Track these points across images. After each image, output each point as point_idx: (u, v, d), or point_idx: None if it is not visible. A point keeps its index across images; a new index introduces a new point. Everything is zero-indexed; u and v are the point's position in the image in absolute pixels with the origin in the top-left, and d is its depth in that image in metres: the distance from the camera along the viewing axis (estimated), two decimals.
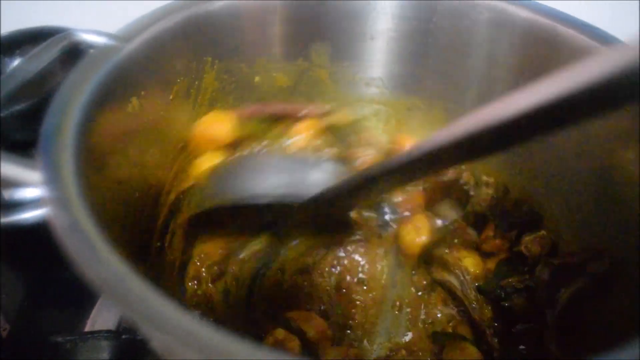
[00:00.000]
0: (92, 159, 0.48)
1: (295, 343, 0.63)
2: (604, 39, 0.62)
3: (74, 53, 0.90)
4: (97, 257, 0.35)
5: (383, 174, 0.55)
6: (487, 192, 0.75)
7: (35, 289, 0.91)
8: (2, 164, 0.43)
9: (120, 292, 0.33)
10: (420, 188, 0.77)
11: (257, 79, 0.74)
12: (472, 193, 0.75)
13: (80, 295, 0.82)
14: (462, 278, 0.68)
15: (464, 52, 0.73)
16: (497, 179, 0.76)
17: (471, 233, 0.75)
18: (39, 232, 0.92)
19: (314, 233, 0.74)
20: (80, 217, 0.38)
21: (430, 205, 0.78)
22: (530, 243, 0.70)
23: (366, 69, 0.80)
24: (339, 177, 0.65)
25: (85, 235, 0.37)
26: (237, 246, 0.73)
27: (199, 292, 0.68)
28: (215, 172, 0.67)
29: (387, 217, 0.76)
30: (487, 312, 0.67)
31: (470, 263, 0.71)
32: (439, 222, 0.75)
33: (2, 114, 0.85)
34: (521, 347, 0.65)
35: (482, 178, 0.76)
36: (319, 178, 0.67)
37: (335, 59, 0.78)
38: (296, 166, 0.70)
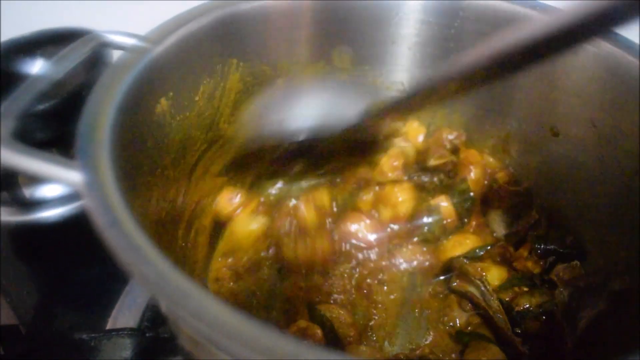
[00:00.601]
0: (126, 159, 0.48)
1: (317, 332, 0.64)
2: None
3: (98, 56, 0.91)
4: (139, 252, 0.35)
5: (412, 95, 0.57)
6: (534, 216, 0.76)
7: (55, 288, 0.92)
8: (42, 163, 0.43)
9: (165, 287, 0.34)
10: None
11: (279, 81, 0.75)
12: (521, 215, 0.76)
13: (99, 294, 0.84)
14: (482, 288, 0.69)
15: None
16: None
17: (509, 251, 0.76)
18: (59, 230, 0.94)
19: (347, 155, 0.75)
20: (120, 214, 0.38)
21: (485, 210, 0.80)
22: (562, 271, 0.71)
23: (388, 73, 0.81)
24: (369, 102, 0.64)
25: (128, 233, 0.37)
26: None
27: (223, 290, 0.69)
28: (253, 112, 0.68)
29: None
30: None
31: (496, 276, 0.72)
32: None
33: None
34: None
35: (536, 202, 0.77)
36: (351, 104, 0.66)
37: (357, 63, 0.79)
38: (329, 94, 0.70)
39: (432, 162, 0.81)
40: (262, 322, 0.32)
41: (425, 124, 0.85)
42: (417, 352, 0.64)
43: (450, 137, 0.83)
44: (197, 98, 0.64)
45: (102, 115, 0.48)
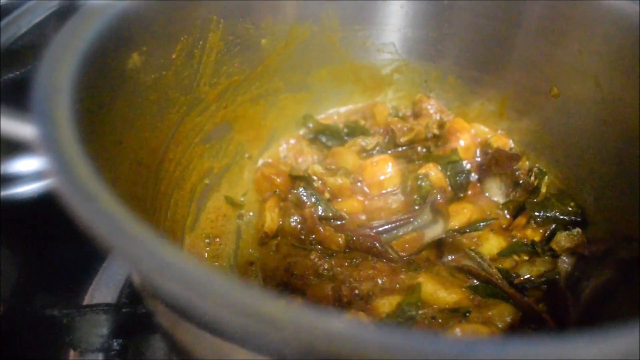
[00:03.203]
0: (90, 114, 0.44)
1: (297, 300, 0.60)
2: None
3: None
4: (97, 206, 0.31)
5: None
6: (533, 182, 0.72)
7: (31, 266, 0.88)
8: None
9: (133, 245, 0.29)
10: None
11: (263, 41, 0.70)
12: (521, 181, 0.73)
13: (77, 272, 0.80)
14: (478, 260, 0.65)
15: (488, 14, 0.70)
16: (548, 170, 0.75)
17: (506, 219, 0.73)
18: (36, 207, 0.89)
19: None
20: (79, 169, 0.33)
21: (482, 177, 0.76)
22: (563, 240, 0.67)
23: (378, 33, 0.76)
24: None
25: (87, 189, 0.32)
26: None
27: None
28: None
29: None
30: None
31: (494, 245, 0.68)
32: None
33: None
34: None
35: (534, 168, 0.74)
36: None
37: (346, 23, 0.74)
38: None
39: (402, 139, 0.78)
40: (245, 282, 0.28)
41: (417, 86, 0.81)
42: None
43: (437, 116, 0.79)
44: (174, 56, 0.60)
45: (63, 64, 0.43)
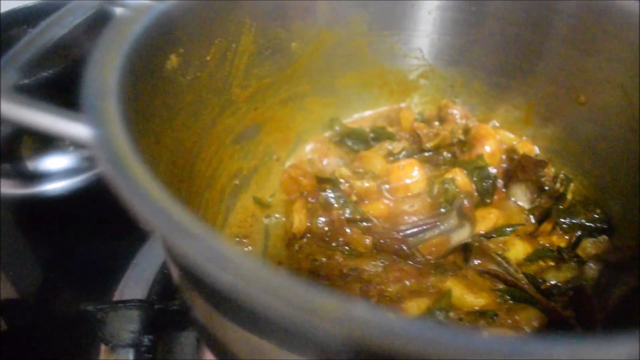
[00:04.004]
0: (133, 115, 0.45)
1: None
2: None
3: (103, 22, 0.88)
4: (155, 204, 0.32)
5: None
6: (558, 189, 0.73)
7: (59, 262, 0.89)
8: (46, 116, 0.40)
9: (188, 239, 0.30)
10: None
11: (293, 45, 0.71)
12: (546, 187, 0.73)
13: (103, 269, 0.81)
14: (505, 265, 0.66)
15: (517, 22, 0.70)
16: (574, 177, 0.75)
17: (532, 225, 0.73)
18: (64, 204, 0.91)
19: None
20: (134, 167, 0.34)
21: (508, 183, 0.76)
22: (589, 246, 0.68)
23: (406, 38, 0.77)
24: None
25: (142, 185, 0.33)
26: None
27: None
28: None
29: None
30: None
31: (520, 250, 0.69)
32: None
33: (27, 81, 0.83)
34: None
35: (560, 174, 0.74)
36: None
37: (374, 28, 0.75)
38: None
39: (428, 145, 0.78)
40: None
41: (442, 92, 0.82)
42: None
43: (462, 121, 0.80)
44: (208, 58, 0.61)
45: (109, 66, 0.44)
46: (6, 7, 0.97)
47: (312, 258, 0.66)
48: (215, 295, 0.38)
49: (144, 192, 0.32)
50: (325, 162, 0.79)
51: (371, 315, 0.26)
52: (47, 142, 0.90)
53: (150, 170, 0.35)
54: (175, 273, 0.51)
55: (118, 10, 0.61)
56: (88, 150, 0.37)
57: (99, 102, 0.40)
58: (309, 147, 0.80)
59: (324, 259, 0.67)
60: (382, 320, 0.26)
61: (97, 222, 0.89)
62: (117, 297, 0.71)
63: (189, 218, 0.31)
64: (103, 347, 0.65)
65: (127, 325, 0.62)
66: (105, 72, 0.43)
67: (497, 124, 0.81)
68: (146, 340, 0.64)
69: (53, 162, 0.91)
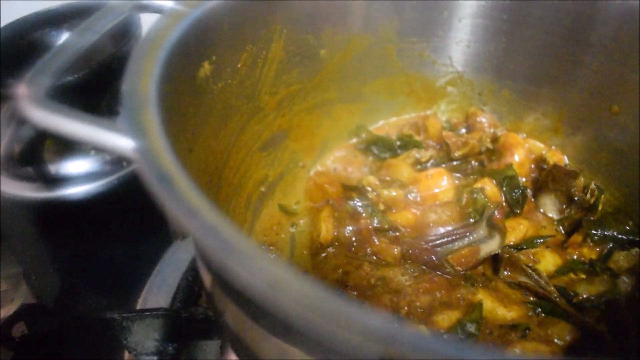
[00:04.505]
0: (170, 123, 0.44)
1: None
2: None
3: (127, 27, 0.88)
4: (204, 220, 0.31)
5: None
6: (589, 199, 0.71)
7: (80, 267, 0.89)
8: (85, 126, 0.39)
9: (238, 255, 0.29)
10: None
11: (322, 52, 0.71)
12: (576, 198, 0.72)
13: (125, 275, 0.81)
14: (535, 277, 0.65)
15: (549, 30, 0.69)
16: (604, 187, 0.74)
17: (561, 237, 0.72)
18: (86, 208, 0.91)
19: None
20: (179, 182, 0.34)
21: (537, 193, 0.75)
22: (622, 260, 0.66)
23: (435, 46, 0.76)
24: None
25: (190, 201, 0.32)
26: None
27: None
28: None
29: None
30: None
31: (550, 262, 0.68)
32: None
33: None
34: None
35: (591, 185, 0.72)
36: None
37: (404, 34, 0.74)
38: None
39: (457, 154, 0.77)
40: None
41: (470, 99, 0.81)
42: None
43: (490, 130, 0.79)
44: (239, 65, 0.60)
45: (147, 75, 0.43)
46: (29, 9, 0.96)
47: (340, 269, 0.65)
48: (249, 302, 0.38)
49: (193, 209, 0.31)
50: (351, 169, 0.78)
51: (402, 331, 0.25)
52: (69, 146, 0.90)
53: (195, 185, 0.34)
54: (207, 280, 0.50)
55: (143, 17, 0.60)
56: (131, 163, 0.37)
57: (140, 113, 0.39)
58: (335, 155, 0.79)
59: (352, 269, 0.66)
60: (413, 337, 0.25)
61: (118, 227, 0.88)
62: (140, 304, 0.71)
63: (238, 236, 0.30)
64: (127, 355, 0.65)
65: (151, 334, 0.62)
66: (143, 81, 0.43)
67: (525, 135, 0.80)
68: (170, 348, 0.63)
69: (75, 165, 0.90)
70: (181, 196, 0.32)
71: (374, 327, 0.26)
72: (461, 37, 0.75)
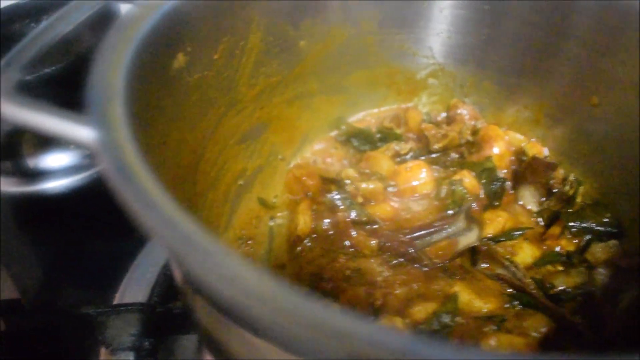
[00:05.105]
0: (139, 116, 0.44)
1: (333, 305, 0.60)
2: None
3: (107, 18, 0.86)
4: (162, 213, 0.30)
5: None
6: (568, 191, 0.71)
7: (59, 262, 0.88)
8: (49, 118, 0.38)
9: (193, 250, 0.29)
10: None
11: (302, 43, 0.70)
12: (555, 190, 0.72)
13: (105, 269, 0.80)
14: (513, 269, 0.65)
15: (532, 22, 0.69)
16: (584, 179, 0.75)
17: (540, 229, 0.72)
18: (65, 202, 0.90)
19: None
20: (139, 173, 0.33)
21: (516, 185, 0.75)
22: (599, 251, 0.66)
23: (416, 37, 0.76)
24: None
25: (148, 192, 0.32)
26: None
27: None
28: None
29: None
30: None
31: (529, 254, 0.68)
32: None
33: (29, 78, 0.82)
34: None
35: (570, 177, 0.72)
36: None
37: (384, 25, 0.74)
38: None
39: (436, 146, 0.77)
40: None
41: (451, 91, 0.80)
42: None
43: (472, 122, 0.79)
44: (216, 56, 0.60)
45: (115, 66, 0.43)
46: (8, 1, 0.95)
47: (315, 261, 0.65)
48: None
49: (151, 201, 0.31)
50: (330, 162, 0.78)
51: (376, 333, 0.25)
52: (48, 140, 0.88)
53: (157, 178, 0.34)
54: (178, 276, 0.50)
55: (123, 7, 0.60)
56: (92, 154, 0.36)
57: (105, 104, 0.38)
58: (314, 147, 0.79)
59: (328, 262, 0.66)
60: (369, 332, 0.25)
61: (99, 221, 0.87)
62: (118, 299, 0.70)
63: (197, 230, 0.30)
64: (103, 350, 0.64)
65: (127, 329, 0.61)
66: (111, 72, 0.42)
67: (506, 128, 0.80)
68: (147, 343, 0.63)
69: (54, 159, 0.89)
70: (139, 188, 0.31)
71: (330, 323, 0.26)
72: (442, 29, 0.75)
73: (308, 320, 0.26)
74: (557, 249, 0.69)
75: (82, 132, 0.36)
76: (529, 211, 0.74)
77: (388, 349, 0.26)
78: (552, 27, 0.68)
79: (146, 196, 0.31)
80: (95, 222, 0.86)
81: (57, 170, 0.89)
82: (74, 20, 0.54)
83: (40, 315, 0.76)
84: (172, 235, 0.29)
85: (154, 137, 0.49)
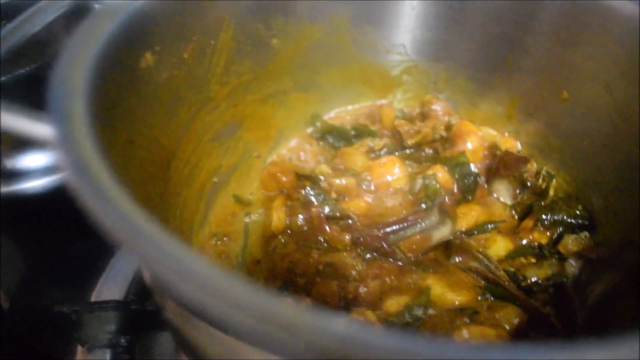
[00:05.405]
0: (103, 114, 0.44)
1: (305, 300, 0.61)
2: None
3: (81, 17, 0.86)
4: (117, 210, 0.31)
5: None
6: (541, 185, 0.72)
7: (39, 261, 0.88)
8: (5, 115, 0.39)
9: (149, 248, 0.29)
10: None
11: (274, 41, 0.70)
12: (529, 183, 0.72)
13: (86, 268, 0.80)
14: (486, 262, 0.66)
15: (500, 17, 0.70)
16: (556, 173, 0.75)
17: (513, 222, 0.73)
18: (43, 202, 0.90)
19: None
20: (97, 170, 0.34)
21: (490, 179, 0.76)
22: (571, 243, 0.67)
23: (389, 34, 0.77)
24: None
25: (104, 189, 0.32)
26: None
27: None
28: None
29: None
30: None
31: (502, 247, 0.69)
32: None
33: (3, 78, 0.82)
34: None
35: (542, 171, 0.73)
36: None
37: (357, 24, 0.74)
38: None
39: (409, 142, 0.78)
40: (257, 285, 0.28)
41: (426, 88, 0.81)
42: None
43: (445, 118, 0.80)
44: (186, 55, 0.60)
45: (79, 64, 0.43)
46: None
47: (289, 257, 0.66)
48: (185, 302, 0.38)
49: (104, 195, 0.31)
50: (306, 158, 0.79)
51: (327, 323, 0.26)
52: (26, 141, 0.88)
53: (116, 174, 0.34)
54: (146, 275, 0.50)
55: (97, 7, 0.60)
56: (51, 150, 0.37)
57: (65, 101, 0.39)
58: (290, 144, 0.79)
59: (301, 257, 0.66)
60: (335, 328, 0.25)
61: (78, 220, 0.87)
62: (95, 297, 0.70)
63: (149, 223, 0.30)
64: (79, 348, 0.65)
65: (103, 326, 0.62)
66: (74, 70, 0.43)
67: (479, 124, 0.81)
68: (123, 340, 0.63)
69: (32, 159, 0.89)
70: (93, 182, 0.32)
71: (278, 313, 0.26)
72: (414, 25, 0.76)
73: (257, 311, 0.27)
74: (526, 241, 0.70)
75: (41, 129, 0.37)
76: (503, 205, 0.75)
77: (334, 338, 0.26)
78: (520, 22, 0.69)
79: (99, 190, 0.32)
80: (74, 221, 0.86)
81: (35, 170, 0.89)
82: (42, 20, 0.54)
83: (17, 314, 0.76)
84: (123, 227, 0.30)
85: (121, 134, 0.49)
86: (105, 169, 0.34)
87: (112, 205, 0.31)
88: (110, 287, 0.71)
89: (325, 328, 0.26)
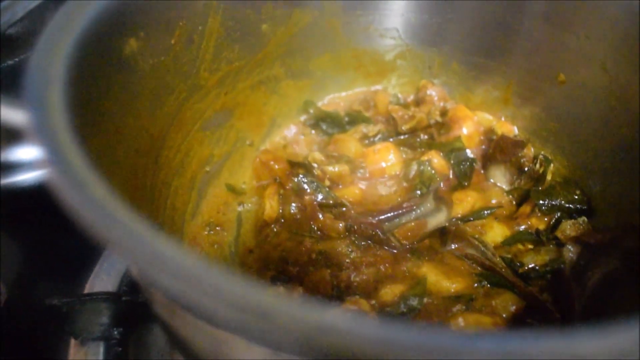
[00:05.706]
0: (85, 102, 0.43)
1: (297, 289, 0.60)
2: None
3: None
4: (90, 197, 0.30)
5: None
6: (538, 170, 0.71)
7: (33, 254, 0.87)
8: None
9: (129, 240, 0.28)
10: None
11: (264, 27, 0.69)
12: (526, 168, 0.71)
13: (78, 260, 0.79)
14: (482, 249, 0.65)
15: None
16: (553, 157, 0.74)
17: (510, 208, 0.72)
18: (37, 195, 0.88)
19: None
20: (73, 158, 0.33)
21: (486, 164, 0.75)
22: (568, 228, 0.66)
23: (381, 18, 0.75)
24: None
25: (78, 177, 0.31)
26: None
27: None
28: None
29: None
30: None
31: (498, 233, 0.68)
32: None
33: None
34: None
35: (540, 155, 0.72)
36: None
37: (348, 8, 0.73)
38: None
39: (404, 127, 0.77)
40: (238, 274, 0.27)
41: (420, 73, 0.80)
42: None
43: (441, 104, 0.78)
44: (173, 41, 0.59)
45: (57, 50, 0.42)
46: None
47: (281, 246, 0.65)
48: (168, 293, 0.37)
49: (79, 183, 0.30)
50: (299, 146, 0.78)
51: (309, 313, 0.25)
52: (19, 133, 0.88)
53: (91, 159, 0.33)
54: (132, 268, 0.49)
55: None
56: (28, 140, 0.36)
57: (41, 87, 0.38)
58: (284, 132, 0.78)
59: (293, 246, 0.65)
60: (320, 318, 0.24)
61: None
62: (88, 289, 0.69)
63: (121, 208, 0.29)
64: (73, 341, 0.64)
65: (96, 319, 0.61)
66: (51, 58, 0.41)
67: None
68: (116, 332, 0.62)
69: (25, 152, 0.88)
70: (69, 170, 0.31)
71: (253, 300, 0.26)
72: (407, 9, 0.74)
73: (230, 298, 0.26)
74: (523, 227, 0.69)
75: (16, 115, 0.36)
76: (500, 190, 0.74)
77: (310, 325, 0.25)
78: (513, 4, 0.68)
79: (75, 177, 0.31)
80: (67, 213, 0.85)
81: (28, 163, 0.88)
82: (23, 9, 0.53)
83: (12, 308, 0.76)
84: (95, 213, 0.29)
85: (105, 123, 0.48)
86: (82, 158, 0.33)
87: (87, 195, 0.30)
88: (103, 279, 0.70)
89: (300, 316, 0.25)
